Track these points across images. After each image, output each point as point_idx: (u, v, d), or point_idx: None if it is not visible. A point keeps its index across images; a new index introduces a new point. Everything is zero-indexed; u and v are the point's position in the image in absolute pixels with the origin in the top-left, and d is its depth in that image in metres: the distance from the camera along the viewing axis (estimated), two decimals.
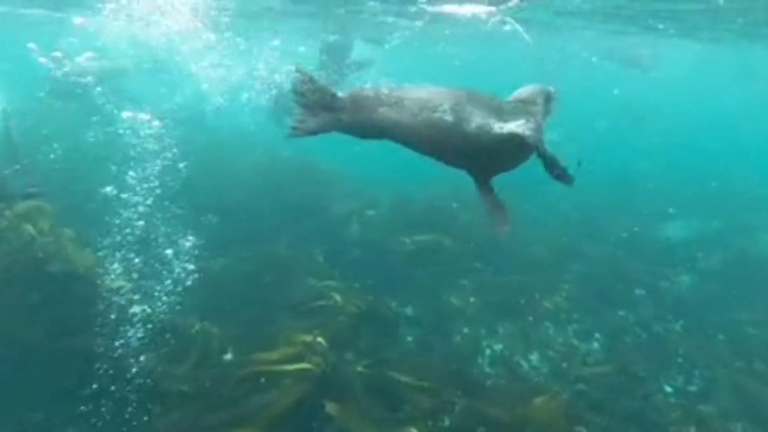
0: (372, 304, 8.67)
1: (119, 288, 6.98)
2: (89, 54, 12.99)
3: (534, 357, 8.64)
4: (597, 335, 9.23)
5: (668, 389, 7.82)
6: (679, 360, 8.34)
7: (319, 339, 7.06)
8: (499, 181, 3.74)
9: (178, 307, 7.42)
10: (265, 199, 12.14)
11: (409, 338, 8.85)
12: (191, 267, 9.06)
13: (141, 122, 10.18)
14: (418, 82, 3.49)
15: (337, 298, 8.48)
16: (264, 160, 14.21)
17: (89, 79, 12.14)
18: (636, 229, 13.35)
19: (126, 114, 10.31)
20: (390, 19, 13.86)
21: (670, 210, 14.22)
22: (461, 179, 3.77)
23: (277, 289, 9.00)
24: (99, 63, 13.01)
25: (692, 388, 7.81)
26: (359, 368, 6.98)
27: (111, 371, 6.10)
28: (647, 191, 16.43)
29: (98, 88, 12.02)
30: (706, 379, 7.90)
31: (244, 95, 13.37)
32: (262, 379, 6.41)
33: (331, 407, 6.14)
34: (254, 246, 10.08)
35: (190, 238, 9.00)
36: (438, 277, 10.33)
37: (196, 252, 9.67)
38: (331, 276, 9.31)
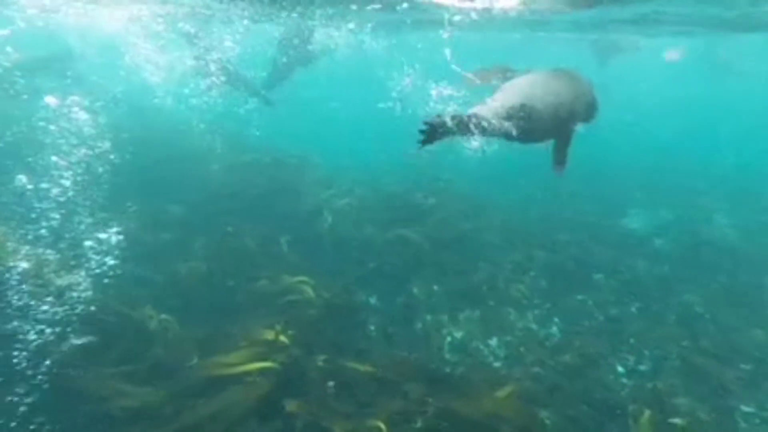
0: (340, 297, 8.83)
1: (63, 285, 6.97)
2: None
3: (493, 342, 8.88)
4: (556, 320, 9.50)
5: (620, 369, 8.11)
6: (632, 341, 8.65)
7: (284, 336, 7.14)
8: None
9: (137, 306, 7.50)
10: (233, 191, 12.12)
11: (372, 327, 9.00)
12: (151, 264, 9.14)
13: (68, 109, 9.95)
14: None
15: (306, 292, 8.60)
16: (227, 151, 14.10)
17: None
18: (600, 218, 13.74)
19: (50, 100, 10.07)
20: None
21: (636, 199, 14.61)
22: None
23: (244, 285, 9.09)
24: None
25: (643, 367, 8.11)
26: (320, 363, 7.06)
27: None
28: (616, 182, 16.83)
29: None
30: (656, 358, 8.21)
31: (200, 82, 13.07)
32: (223, 381, 6.44)
33: (291, 405, 6.20)
34: (221, 241, 10.14)
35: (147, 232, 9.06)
36: (405, 268, 10.53)
37: (157, 249, 9.77)
38: (300, 269, 9.37)
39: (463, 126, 3.89)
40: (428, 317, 9.49)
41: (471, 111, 4.04)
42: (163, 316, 7.39)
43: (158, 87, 14.68)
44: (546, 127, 4.24)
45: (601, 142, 21.92)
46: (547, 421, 6.93)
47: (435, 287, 10.12)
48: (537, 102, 4.11)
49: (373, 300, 9.80)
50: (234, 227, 10.52)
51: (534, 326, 9.34)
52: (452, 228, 11.81)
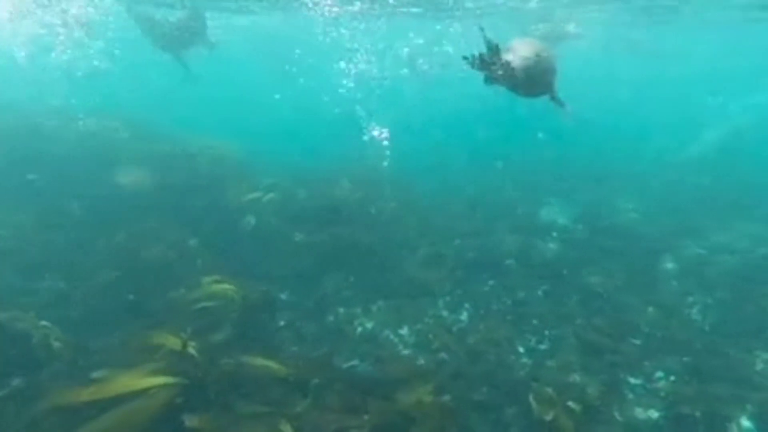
0: (256, 298, 8.55)
1: None
2: None
3: (404, 331, 8.96)
4: (466, 305, 9.70)
5: (521, 350, 8.37)
6: (535, 322, 8.95)
7: (191, 345, 6.80)
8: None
9: (21, 316, 7.05)
10: (143, 186, 11.52)
11: (284, 324, 8.89)
12: (43, 269, 8.64)
13: None
14: None
15: (223, 294, 8.30)
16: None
17: None
18: (519, 206, 14.13)
19: None
20: None
21: (553, 187, 15.13)
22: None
23: (151, 291, 8.67)
24: None
25: (542, 347, 8.40)
26: (227, 368, 6.80)
27: None
28: (540, 172, 17.35)
29: None
30: (554, 337, 8.53)
31: None
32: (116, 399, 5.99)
33: (192, 420, 5.74)
34: (126, 242, 9.70)
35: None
36: (324, 265, 10.44)
37: (51, 252, 9.23)
38: (217, 271, 9.00)
39: (496, 60, 5.09)
40: (341, 310, 9.49)
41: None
42: (48, 325, 6.93)
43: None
44: (543, 79, 5.52)
45: (531, 131, 22.78)
46: (451, 405, 7.06)
47: (351, 281, 10.13)
48: (542, 53, 5.36)
49: (289, 298, 9.69)
50: (142, 226, 10.09)
51: (444, 313, 9.50)
52: (375, 222, 11.82)
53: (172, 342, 6.66)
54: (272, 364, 6.87)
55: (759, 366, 7.84)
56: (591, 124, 23.11)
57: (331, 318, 9.28)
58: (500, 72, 5.58)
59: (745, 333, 8.49)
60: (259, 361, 6.94)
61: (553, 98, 5.99)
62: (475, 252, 11.32)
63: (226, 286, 8.49)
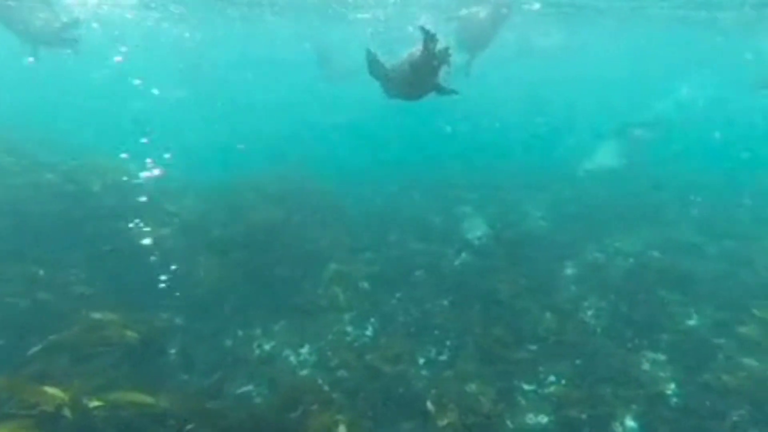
0: (147, 331, 7.97)
1: None
2: None
3: (304, 350, 8.71)
4: (372, 319, 9.58)
5: (421, 362, 8.31)
6: (436, 332, 8.93)
7: (67, 391, 6.20)
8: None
9: None
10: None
11: (173, 351, 8.40)
12: None
13: None
14: None
15: (116, 330, 7.68)
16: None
17: None
18: (430, 215, 14.18)
19: None
20: None
21: (463, 196, 15.34)
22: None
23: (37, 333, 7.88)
24: None
25: (442, 358, 8.38)
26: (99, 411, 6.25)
27: None
28: (452, 180, 17.56)
29: None
30: (454, 347, 8.54)
31: None
32: None
33: None
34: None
35: None
36: (226, 286, 9.98)
37: None
38: (109, 304, 8.33)
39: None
40: (240, 333, 9.13)
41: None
42: None
43: None
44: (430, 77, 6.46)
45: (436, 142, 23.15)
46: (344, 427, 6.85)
47: (254, 301, 9.76)
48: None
49: (187, 325, 9.15)
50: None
51: (349, 329, 9.33)
52: (281, 238, 11.47)
53: (47, 396, 6.11)
54: (150, 400, 6.44)
55: (645, 366, 8.15)
56: (507, 130, 23.86)
57: (228, 342, 8.89)
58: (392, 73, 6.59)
59: (634, 334, 8.82)
60: (139, 398, 6.51)
61: (440, 90, 6.73)
62: (384, 264, 11.24)
63: (113, 319, 7.95)
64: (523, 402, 7.45)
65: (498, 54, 15.57)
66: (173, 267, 9.58)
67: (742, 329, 8.95)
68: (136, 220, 10.34)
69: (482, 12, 12.24)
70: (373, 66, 6.92)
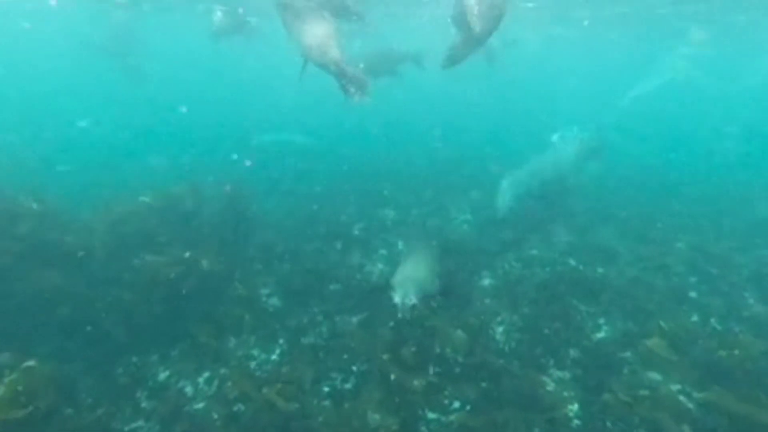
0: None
1: None
2: None
3: (202, 379, 8.19)
4: (281, 341, 9.14)
5: (325, 390, 7.97)
6: (345, 357, 8.61)
7: None
8: None
9: None
10: None
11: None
12: None
13: None
14: None
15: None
16: None
17: None
18: (350, 223, 13.77)
19: None
20: None
21: (388, 198, 15.02)
22: None
23: None
24: None
25: (347, 386, 8.07)
26: None
27: None
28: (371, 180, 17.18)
29: None
30: (360, 374, 8.25)
31: None
32: None
33: None
34: None
35: None
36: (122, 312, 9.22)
37: None
38: None
39: None
40: (134, 359, 8.48)
41: None
42: None
43: None
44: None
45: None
46: None
47: (150, 323, 9.07)
48: None
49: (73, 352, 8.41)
50: None
51: (255, 352, 8.86)
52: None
53: None
54: None
55: (550, 386, 8.14)
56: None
57: (120, 370, 8.24)
58: None
59: (542, 351, 8.81)
60: None
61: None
62: (298, 276, 10.78)
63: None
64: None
65: None
66: None
67: (649, 342, 9.11)
68: None
69: None
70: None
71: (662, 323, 9.48)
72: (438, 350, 8.62)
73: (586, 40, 27.10)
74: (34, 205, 9.06)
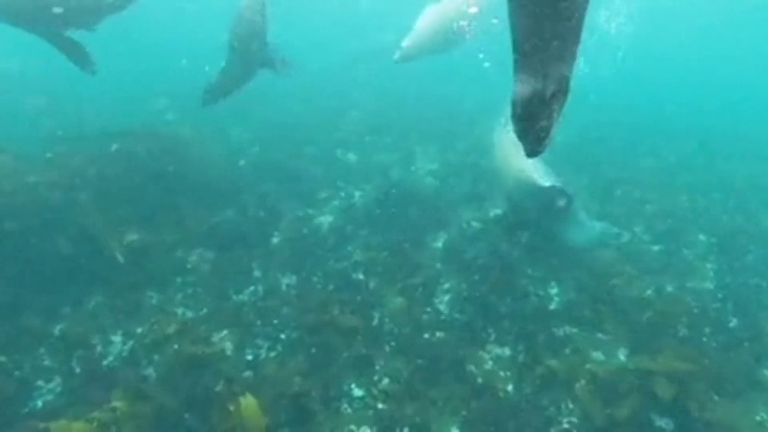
0: None
1: None
2: None
3: (117, 338, 7.60)
4: (208, 299, 8.52)
5: (249, 356, 7.47)
6: (275, 322, 8.06)
7: None
8: None
9: None
10: None
11: None
12: None
13: None
14: None
15: None
16: None
17: None
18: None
19: None
20: None
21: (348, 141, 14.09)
22: None
23: None
24: None
25: (272, 354, 7.57)
26: None
27: None
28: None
29: None
30: (288, 342, 7.73)
31: None
32: None
33: None
34: None
35: None
36: None
37: None
38: None
39: None
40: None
41: None
42: None
43: None
44: None
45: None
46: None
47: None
48: None
49: None
50: None
51: (179, 310, 8.24)
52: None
53: None
54: None
55: (488, 364, 7.72)
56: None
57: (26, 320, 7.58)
58: None
59: (484, 323, 8.33)
60: None
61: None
62: (238, 224, 10.03)
63: None
64: (348, 410, 6.86)
65: None
66: None
67: (601, 308, 8.70)
68: None
69: None
70: None
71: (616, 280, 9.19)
72: (377, 318, 8.12)
73: None
74: None
